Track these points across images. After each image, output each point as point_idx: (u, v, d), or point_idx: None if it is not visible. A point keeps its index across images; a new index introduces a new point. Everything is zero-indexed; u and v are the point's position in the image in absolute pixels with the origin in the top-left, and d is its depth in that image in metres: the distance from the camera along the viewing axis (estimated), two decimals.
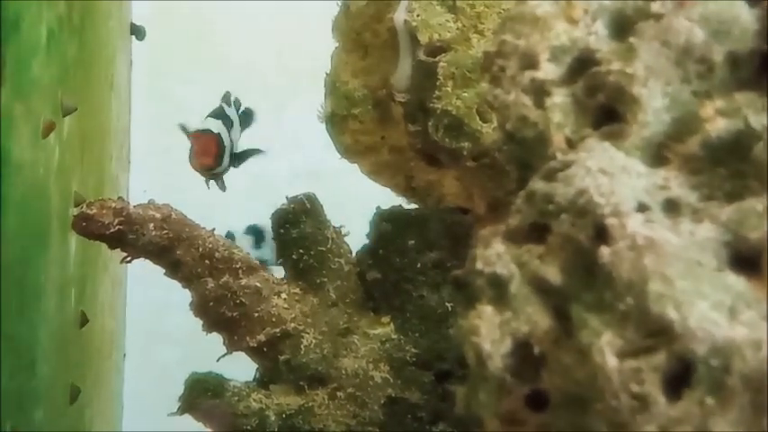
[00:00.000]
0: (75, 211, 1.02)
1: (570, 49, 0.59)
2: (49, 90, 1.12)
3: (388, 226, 1.01)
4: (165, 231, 0.95)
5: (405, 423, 0.95)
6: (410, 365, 0.97)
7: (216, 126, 1.12)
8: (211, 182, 1.19)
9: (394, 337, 0.98)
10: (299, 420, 0.95)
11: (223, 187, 1.20)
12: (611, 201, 0.52)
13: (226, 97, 1.20)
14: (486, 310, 0.54)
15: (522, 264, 0.54)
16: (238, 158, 1.20)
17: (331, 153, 1.09)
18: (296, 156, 1.83)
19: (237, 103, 1.26)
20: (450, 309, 0.97)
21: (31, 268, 1.10)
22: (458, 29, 0.97)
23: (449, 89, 0.96)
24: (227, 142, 1.12)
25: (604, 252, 0.51)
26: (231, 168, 1.21)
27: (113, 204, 0.94)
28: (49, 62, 1.11)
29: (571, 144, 0.57)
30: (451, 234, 1.00)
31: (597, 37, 0.59)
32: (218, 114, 1.15)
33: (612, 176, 0.53)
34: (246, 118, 1.24)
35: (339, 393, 0.96)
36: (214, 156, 1.11)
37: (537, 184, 0.55)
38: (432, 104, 0.96)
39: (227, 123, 1.14)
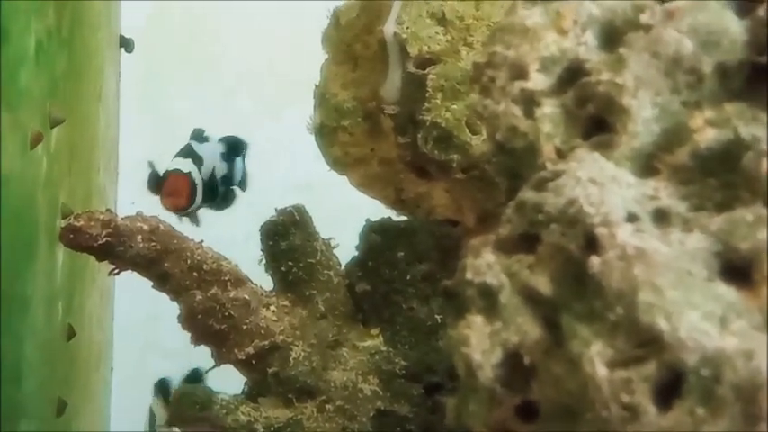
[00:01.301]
0: (62, 222, 1.01)
1: (560, 60, 0.59)
2: (38, 101, 1.11)
3: (378, 238, 1.00)
4: (154, 243, 0.95)
5: None
6: (399, 378, 0.96)
7: (185, 165, 1.09)
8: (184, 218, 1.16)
9: (383, 349, 0.98)
10: None
11: (196, 222, 1.17)
12: (600, 211, 0.52)
13: (195, 134, 1.18)
14: (476, 320, 0.54)
15: (512, 274, 0.54)
16: (224, 199, 1.17)
17: (322, 164, 1.09)
18: (287, 167, 1.83)
19: (232, 141, 1.22)
20: (439, 321, 0.97)
21: (18, 280, 1.09)
22: (447, 41, 0.98)
23: (438, 101, 0.96)
24: (197, 180, 1.09)
25: (594, 262, 0.51)
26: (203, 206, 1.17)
27: (101, 216, 0.94)
28: (38, 73, 1.11)
29: (561, 154, 0.57)
30: (441, 246, 1.00)
31: (587, 47, 0.59)
32: (187, 153, 1.13)
33: (602, 186, 0.53)
34: (235, 149, 1.20)
35: (328, 406, 0.95)
36: (186, 196, 1.08)
37: (527, 194, 0.55)
38: (421, 116, 0.96)
39: (197, 161, 1.11)
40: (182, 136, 1.93)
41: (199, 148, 1.13)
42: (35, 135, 1.08)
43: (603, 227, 0.51)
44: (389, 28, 0.98)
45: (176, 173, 1.07)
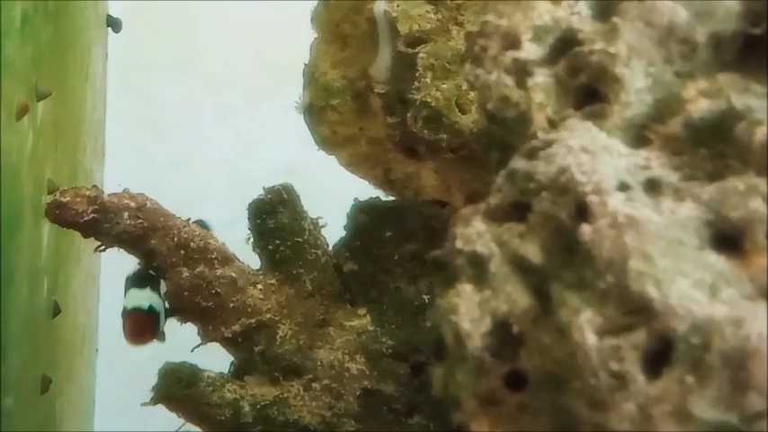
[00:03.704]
0: (48, 198, 1.00)
1: (553, 29, 0.59)
2: (23, 73, 1.10)
3: (366, 218, 1.00)
4: (140, 220, 0.94)
5: (380, 415, 0.94)
6: (386, 357, 0.96)
7: (146, 298, 1.00)
8: None
9: (370, 328, 0.97)
10: (273, 411, 0.94)
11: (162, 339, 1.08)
12: (592, 179, 0.52)
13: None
14: (466, 288, 0.54)
15: (503, 242, 0.54)
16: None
17: (309, 149, 1.08)
18: (273, 151, 1.82)
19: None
20: (426, 301, 0.97)
21: (2, 254, 1.08)
22: (437, 20, 0.97)
23: (428, 80, 0.95)
24: (159, 307, 1.01)
25: (585, 230, 0.50)
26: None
27: (87, 192, 0.93)
28: (24, 45, 1.10)
29: (553, 124, 0.57)
30: (429, 226, 1.00)
31: (580, 17, 0.58)
32: (142, 279, 1.03)
33: (594, 155, 0.53)
34: None
35: (314, 385, 0.95)
36: (150, 332, 1.00)
37: (518, 163, 0.55)
38: (410, 96, 0.96)
39: (155, 286, 1.02)
40: (164, 121, 1.93)
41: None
42: (21, 106, 1.07)
43: (595, 195, 0.51)
44: (380, 6, 0.98)
45: (136, 312, 0.98)
